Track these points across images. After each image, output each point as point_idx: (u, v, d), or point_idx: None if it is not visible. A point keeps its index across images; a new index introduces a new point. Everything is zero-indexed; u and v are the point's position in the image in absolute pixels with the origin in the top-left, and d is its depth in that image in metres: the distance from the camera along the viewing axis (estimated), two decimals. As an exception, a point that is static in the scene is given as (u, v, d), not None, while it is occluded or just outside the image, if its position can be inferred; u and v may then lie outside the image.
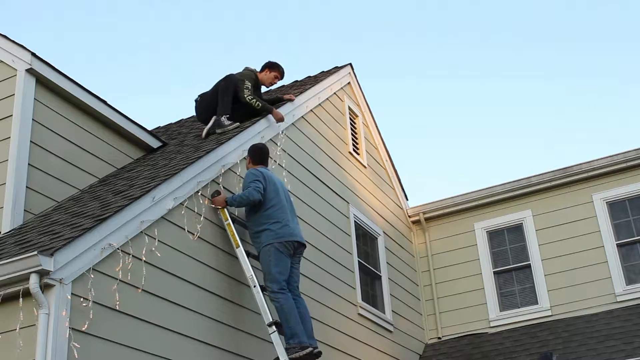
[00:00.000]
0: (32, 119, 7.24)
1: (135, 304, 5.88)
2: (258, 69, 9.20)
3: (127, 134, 8.43)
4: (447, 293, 11.71)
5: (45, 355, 4.99)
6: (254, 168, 7.47)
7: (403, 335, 10.83)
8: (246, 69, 9.16)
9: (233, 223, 7.14)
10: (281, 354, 6.66)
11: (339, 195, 10.02)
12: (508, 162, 26.57)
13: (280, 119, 8.74)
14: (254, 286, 6.94)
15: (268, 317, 6.84)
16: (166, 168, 7.18)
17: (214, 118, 8.58)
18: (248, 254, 7.07)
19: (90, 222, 5.74)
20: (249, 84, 8.83)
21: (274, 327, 6.79)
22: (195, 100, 9.06)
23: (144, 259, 6.04)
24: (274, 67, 9.13)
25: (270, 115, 8.67)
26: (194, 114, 9.19)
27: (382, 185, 11.72)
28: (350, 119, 11.16)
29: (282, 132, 8.90)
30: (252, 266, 7.02)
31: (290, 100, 9.29)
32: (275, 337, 6.76)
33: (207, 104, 8.85)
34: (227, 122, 8.47)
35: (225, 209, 7.15)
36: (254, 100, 8.65)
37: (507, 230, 11.71)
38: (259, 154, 7.64)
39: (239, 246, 7.05)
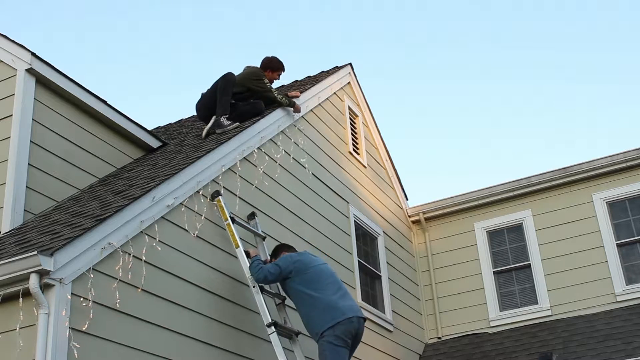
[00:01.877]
0: (32, 119, 7.24)
1: (135, 303, 5.88)
2: (257, 65, 9.31)
3: (127, 134, 8.43)
4: (447, 293, 11.70)
5: (45, 355, 4.99)
6: (291, 253, 7.10)
7: (403, 335, 10.83)
8: (250, 67, 9.21)
9: (233, 223, 7.13)
10: (280, 354, 6.64)
11: (339, 195, 10.02)
12: (508, 162, 26.58)
13: (299, 110, 9.24)
14: (253, 286, 6.93)
15: (267, 318, 6.81)
16: (166, 168, 7.18)
17: (213, 118, 8.58)
18: (247, 254, 7.06)
19: (90, 222, 5.74)
20: (267, 81, 9.06)
21: (273, 327, 6.76)
22: (202, 95, 9.06)
23: (144, 258, 6.04)
24: (277, 70, 9.30)
25: (290, 109, 9.08)
26: (195, 112, 9.20)
27: (382, 185, 11.72)
28: (350, 118, 11.16)
29: (297, 127, 9.20)
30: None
31: (296, 96, 9.42)
32: (275, 338, 6.73)
33: (205, 102, 8.88)
34: (226, 122, 8.47)
35: (225, 209, 7.14)
36: (283, 98, 8.97)
37: (507, 230, 11.71)
38: (286, 245, 7.38)
39: (238, 246, 7.04)
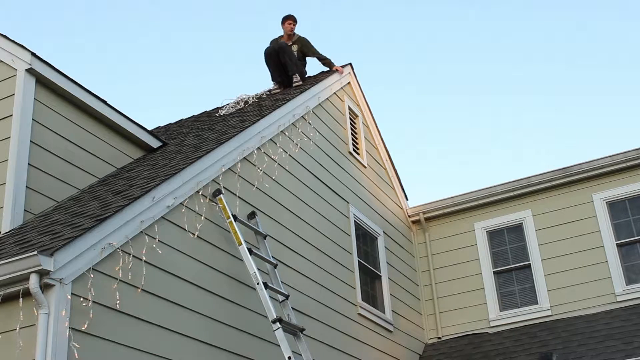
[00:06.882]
0: (32, 119, 7.24)
1: (135, 304, 5.88)
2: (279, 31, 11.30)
3: (127, 134, 8.43)
4: (447, 293, 11.71)
5: (45, 355, 4.99)
6: None
7: (403, 335, 10.83)
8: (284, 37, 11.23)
9: (235, 221, 7.14)
10: (285, 349, 6.63)
11: (339, 195, 10.02)
12: (508, 162, 26.58)
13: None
14: (257, 283, 6.92)
15: (272, 314, 6.80)
16: (166, 168, 7.18)
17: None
18: (250, 252, 7.06)
19: (90, 222, 5.74)
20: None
21: (278, 323, 6.75)
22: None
23: (144, 258, 6.05)
24: (283, 22, 11.33)
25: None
26: (194, 113, 9.25)
27: (382, 185, 11.73)
28: (350, 118, 11.16)
29: (297, 127, 9.37)
30: (254, 264, 7.01)
31: (339, 72, 11.00)
32: (280, 334, 6.72)
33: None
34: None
35: (227, 207, 7.15)
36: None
37: (507, 230, 11.72)
38: None
39: (241, 244, 7.04)
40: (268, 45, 11.18)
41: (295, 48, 11.14)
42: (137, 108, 28.61)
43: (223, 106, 10.89)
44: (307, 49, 11.14)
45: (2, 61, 7.49)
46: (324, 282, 8.90)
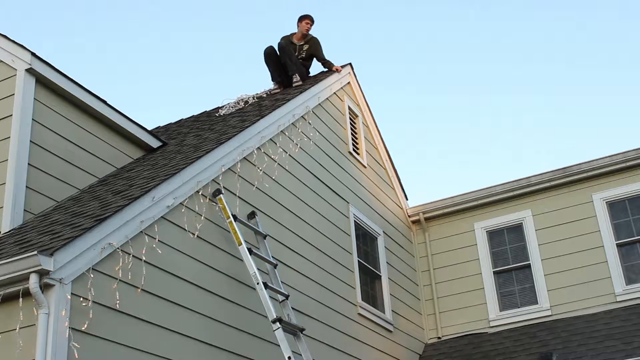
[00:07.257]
0: (32, 119, 7.24)
1: (135, 304, 5.88)
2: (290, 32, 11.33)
3: (127, 133, 8.43)
4: (447, 293, 11.71)
5: (45, 355, 4.99)
6: None
7: (403, 335, 10.83)
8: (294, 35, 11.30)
9: (235, 221, 7.14)
10: (285, 349, 6.63)
11: (339, 195, 10.02)
12: (508, 162, 26.58)
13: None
14: (257, 283, 6.93)
15: (272, 314, 6.80)
16: (166, 168, 7.19)
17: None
18: (250, 252, 7.06)
19: (90, 222, 5.74)
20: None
21: (278, 323, 6.75)
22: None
23: (143, 258, 6.05)
24: (301, 20, 11.31)
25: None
26: (194, 113, 9.25)
27: (382, 185, 11.73)
28: (350, 118, 11.17)
29: (297, 127, 9.34)
30: (254, 264, 7.01)
31: (338, 71, 10.98)
32: (280, 334, 6.73)
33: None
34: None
35: (227, 207, 7.15)
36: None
37: (507, 230, 11.72)
38: None
39: (241, 244, 7.05)
40: (278, 42, 11.20)
41: (305, 47, 11.19)
42: (137, 108, 28.61)
43: (223, 106, 10.90)
44: (315, 50, 11.18)
45: (2, 61, 7.49)
46: (324, 282, 8.90)
